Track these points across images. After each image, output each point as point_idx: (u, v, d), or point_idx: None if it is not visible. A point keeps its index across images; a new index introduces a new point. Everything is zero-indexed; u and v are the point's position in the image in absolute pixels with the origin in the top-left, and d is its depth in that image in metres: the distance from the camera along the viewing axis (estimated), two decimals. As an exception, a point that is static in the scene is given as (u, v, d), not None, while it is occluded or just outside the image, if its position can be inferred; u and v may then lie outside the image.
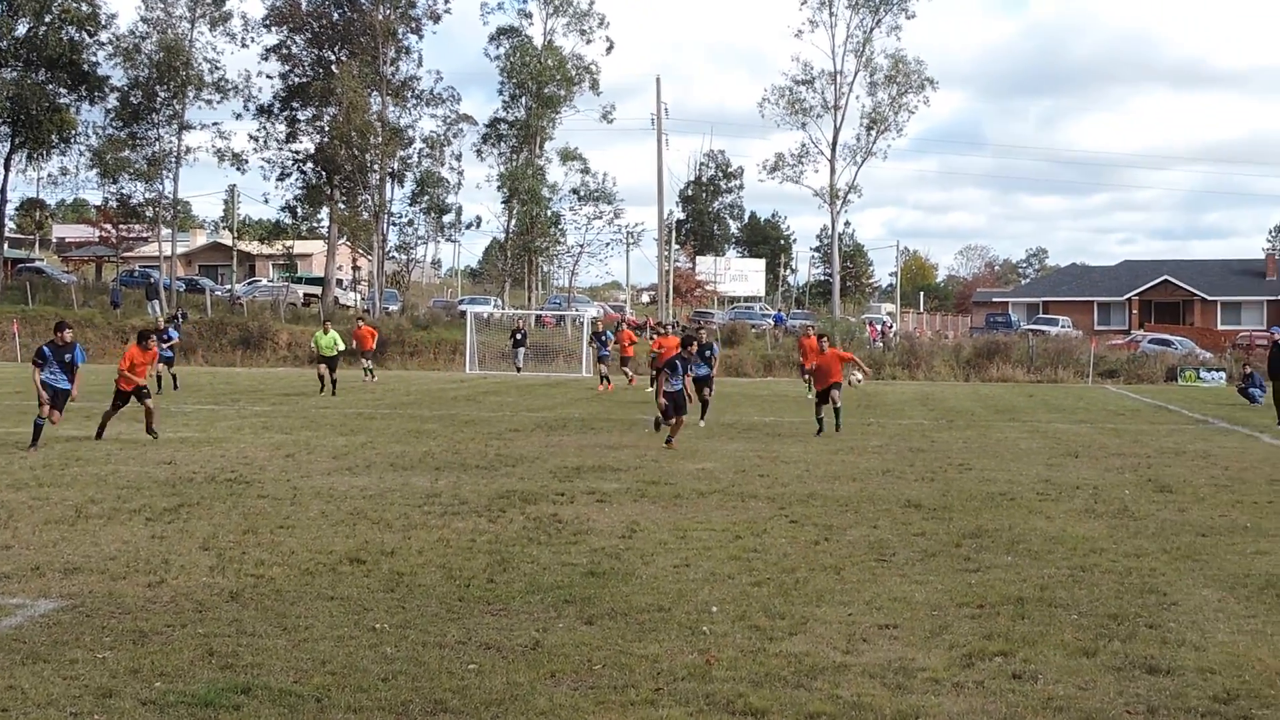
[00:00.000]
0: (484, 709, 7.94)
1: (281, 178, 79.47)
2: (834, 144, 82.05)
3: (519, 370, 59.90)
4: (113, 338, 64.51)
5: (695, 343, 27.64)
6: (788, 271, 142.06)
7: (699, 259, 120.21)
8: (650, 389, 44.27)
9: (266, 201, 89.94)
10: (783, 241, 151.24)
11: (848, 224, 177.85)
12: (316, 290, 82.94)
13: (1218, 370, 63.21)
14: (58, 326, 23.86)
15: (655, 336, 50.46)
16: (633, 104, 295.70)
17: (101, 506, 15.91)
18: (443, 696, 8.15)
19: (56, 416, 22.95)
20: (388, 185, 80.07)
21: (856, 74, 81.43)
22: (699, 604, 10.85)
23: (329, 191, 79.05)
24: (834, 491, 18.49)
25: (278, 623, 10.02)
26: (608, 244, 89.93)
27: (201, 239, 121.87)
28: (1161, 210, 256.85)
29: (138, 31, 76.68)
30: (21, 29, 74.68)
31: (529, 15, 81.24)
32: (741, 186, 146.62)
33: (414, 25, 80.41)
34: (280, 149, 79.41)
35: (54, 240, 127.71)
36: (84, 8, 75.63)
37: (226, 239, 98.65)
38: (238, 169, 79.58)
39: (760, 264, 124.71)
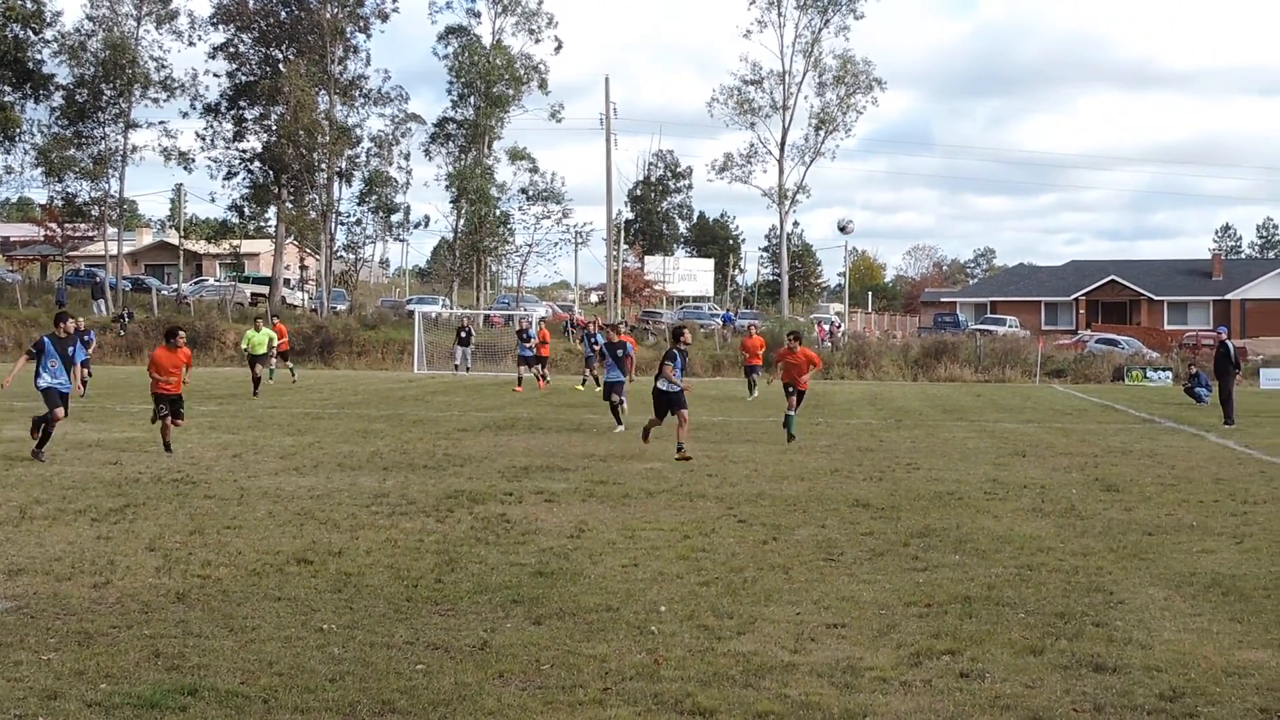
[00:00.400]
0: (432, 709, 7.93)
1: (228, 177, 79.18)
2: (782, 144, 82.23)
3: (463, 369, 59.66)
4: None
5: (687, 332, 26.24)
6: (736, 271, 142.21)
7: (648, 259, 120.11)
8: (581, 388, 44.28)
9: (213, 200, 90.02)
10: (731, 241, 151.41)
11: (796, 224, 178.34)
12: (264, 290, 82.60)
13: (1164, 370, 63.62)
14: (59, 318, 22.33)
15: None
16: (582, 104, 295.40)
17: (46, 507, 15.81)
18: (390, 697, 8.14)
19: (60, 414, 21.25)
20: (335, 184, 79.91)
21: (805, 74, 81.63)
22: (647, 604, 10.87)
23: (276, 191, 78.78)
24: (782, 491, 18.54)
25: (224, 624, 9.98)
26: (556, 244, 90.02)
27: (148, 238, 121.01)
28: (1109, 211, 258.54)
29: (83, 29, 76.12)
30: (-36, 26, 74.12)
31: (477, 15, 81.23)
32: (690, 186, 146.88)
33: (362, 24, 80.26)
34: (227, 148, 79.12)
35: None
36: (28, 5, 75.03)
37: (173, 238, 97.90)
38: (184, 168, 79.08)
39: (709, 264, 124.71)
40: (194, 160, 79.02)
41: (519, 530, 14.66)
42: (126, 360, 61.98)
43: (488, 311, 77.93)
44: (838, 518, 16.00)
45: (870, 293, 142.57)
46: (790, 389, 27.10)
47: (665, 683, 8.55)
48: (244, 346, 42.18)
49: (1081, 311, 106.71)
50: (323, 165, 78.27)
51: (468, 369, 59.82)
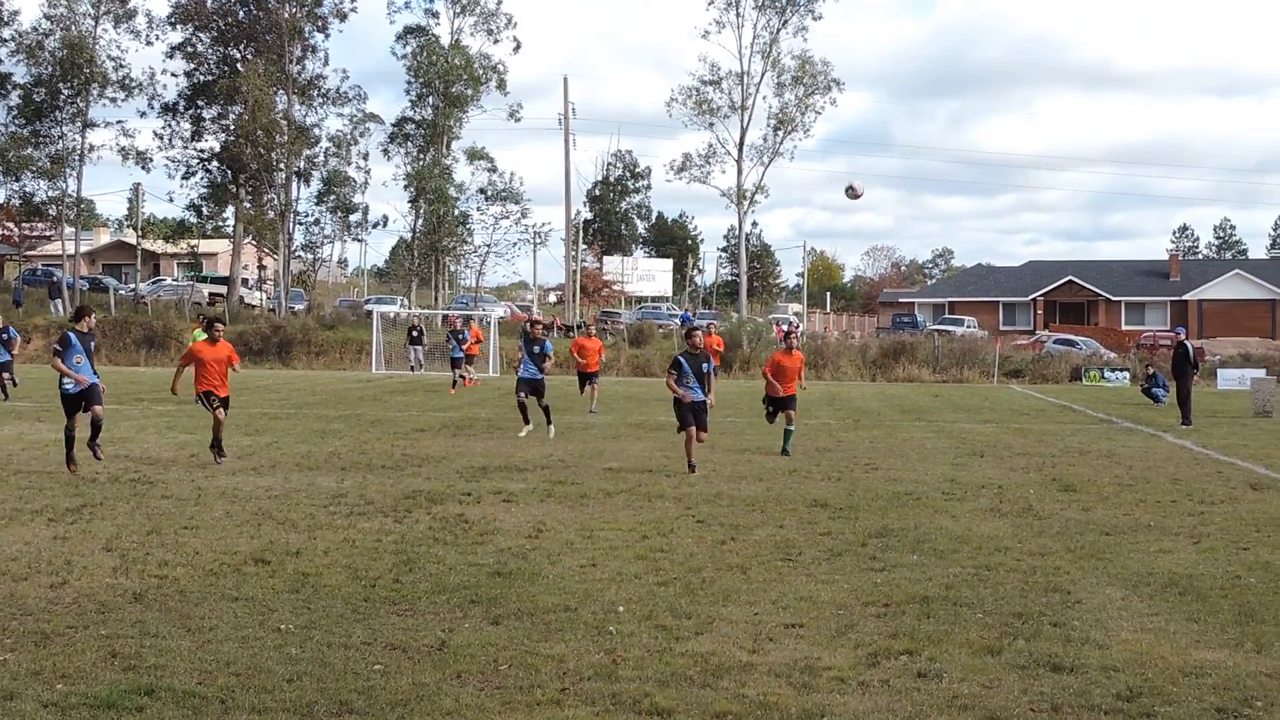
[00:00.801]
0: (389, 709, 7.92)
1: (186, 176, 78.70)
2: (741, 144, 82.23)
3: (416, 369, 59.47)
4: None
5: (698, 332, 22.82)
6: (695, 271, 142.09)
7: (606, 259, 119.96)
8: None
9: (171, 200, 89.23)
10: (690, 242, 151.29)
11: (755, 224, 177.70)
12: (222, 290, 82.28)
13: (1122, 370, 63.93)
14: (79, 312, 20.96)
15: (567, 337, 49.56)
16: (540, 104, 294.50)
17: (3, 507, 15.74)
18: (348, 697, 8.12)
19: (99, 410, 20.02)
20: (294, 184, 79.52)
21: (763, 75, 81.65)
22: (605, 604, 10.87)
23: (234, 190, 78.43)
24: (741, 491, 18.57)
25: (181, 624, 9.95)
26: (515, 244, 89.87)
27: (105, 237, 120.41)
28: (1067, 211, 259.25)
29: (41, 28, 75.66)
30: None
31: (435, 15, 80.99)
32: (649, 186, 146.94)
33: (320, 24, 79.93)
34: (185, 147, 78.67)
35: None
36: (-16, 4, 74.70)
37: (131, 238, 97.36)
38: (142, 167, 78.73)
39: (667, 264, 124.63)
40: (152, 160, 78.71)
41: (477, 530, 14.64)
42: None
43: (446, 311, 77.74)
44: (796, 518, 16.04)
45: (828, 293, 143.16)
46: (774, 402, 24.84)
47: (623, 683, 8.55)
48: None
49: (1039, 312, 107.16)
50: (281, 165, 77.97)
51: (413, 368, 59.59)
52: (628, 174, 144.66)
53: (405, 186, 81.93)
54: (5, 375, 36.23)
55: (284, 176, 78.50)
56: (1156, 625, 10.42)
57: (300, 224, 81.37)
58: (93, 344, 20.59)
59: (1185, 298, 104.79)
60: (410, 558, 12.83)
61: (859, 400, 44.28)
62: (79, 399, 19.94)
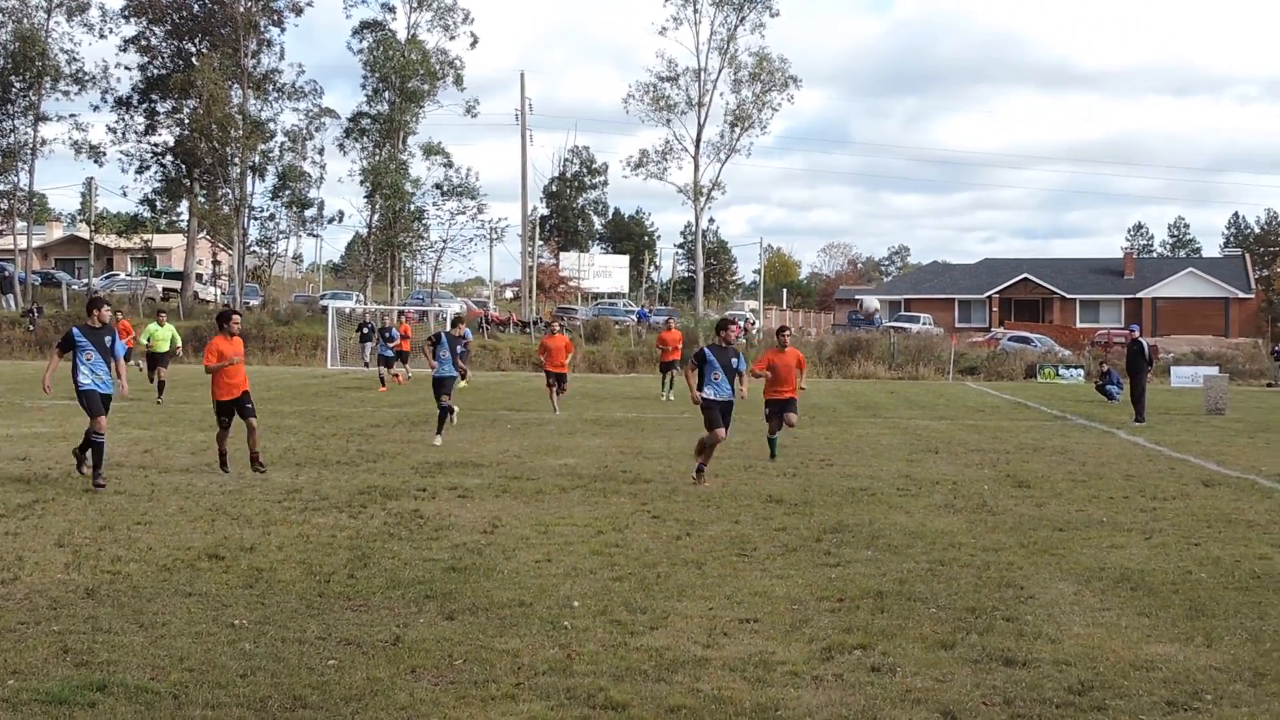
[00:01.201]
0: (344, 704, 7.90)
1: (140, 171, 78.39)
2: (698, 140, 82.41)
3: (373, 366, 59.29)
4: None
5: (733, 325, 20.06)
6: (652, 268, 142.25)
7: (563, 255, 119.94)
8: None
9: (125, 195, 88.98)
10: (647, 238, 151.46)
11: (712, 221, 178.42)
12: (176, 285, 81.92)
13: (1076, 368, 64.32)
14: (92, 304, 18.41)
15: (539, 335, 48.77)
16: (498, 99, 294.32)
17: (-47, 503, 15.63)
18: (302, 692, 8.10)
19: (102, 422, 17.71)
20: (249, 179, 79.23)
21: (721, 71, 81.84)
22: (560, 599, 10.87)
23: (189, 185, 78.15)
24: (696, 487, 18.58)
25: (134, 619, 9.90)
26: (471, 239, 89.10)
27: (58, 232, 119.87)
28: (1023, 209, 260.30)
29: (-8, 21, 75.25)
30: None
31: (392, 9, 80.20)
32: (606, 183, 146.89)
33: (276, 17, 79.73)
34: (139, 141, 78.37)
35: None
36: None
37: (84, 232, 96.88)
38: (95, 161, 78.29)
39: (624, 260, 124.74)
40: (105, 154, 78.30)
41: (432, 526, 14.62)
42: (35, 355, 61.19)
43: (402, 307, 77.49)
44: (751, 513, 16.06)
45: (785, 290, 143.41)
46: (773, 405, 22.71)
47: (578, 677, 8.55)
48: (145, 342, 38.30)
49: (995, 309, 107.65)
50: (236, 159, 77.66)
51: (366, 364, 59.36)
52: (585, 170, 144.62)
53: (361, 182, 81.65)
54: None
55: (239, 171, 78.17)
56: (1108, 620, 10.48)
57: (255, 219, 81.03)
58: (110, 341, 17.93)
59: (1139, 296, 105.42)
60: (365, 553, 12.80)
61: (815, 397, 44.27)
62: (100, 398, 17.73)
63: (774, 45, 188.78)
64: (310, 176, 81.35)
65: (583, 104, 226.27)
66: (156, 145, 78.43)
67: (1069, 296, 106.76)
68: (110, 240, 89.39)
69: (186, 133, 76.18)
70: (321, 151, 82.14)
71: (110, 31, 79.53)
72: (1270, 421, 35.52)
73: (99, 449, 17.60)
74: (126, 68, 78.23)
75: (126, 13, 76.87)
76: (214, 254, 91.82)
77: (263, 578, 11.52)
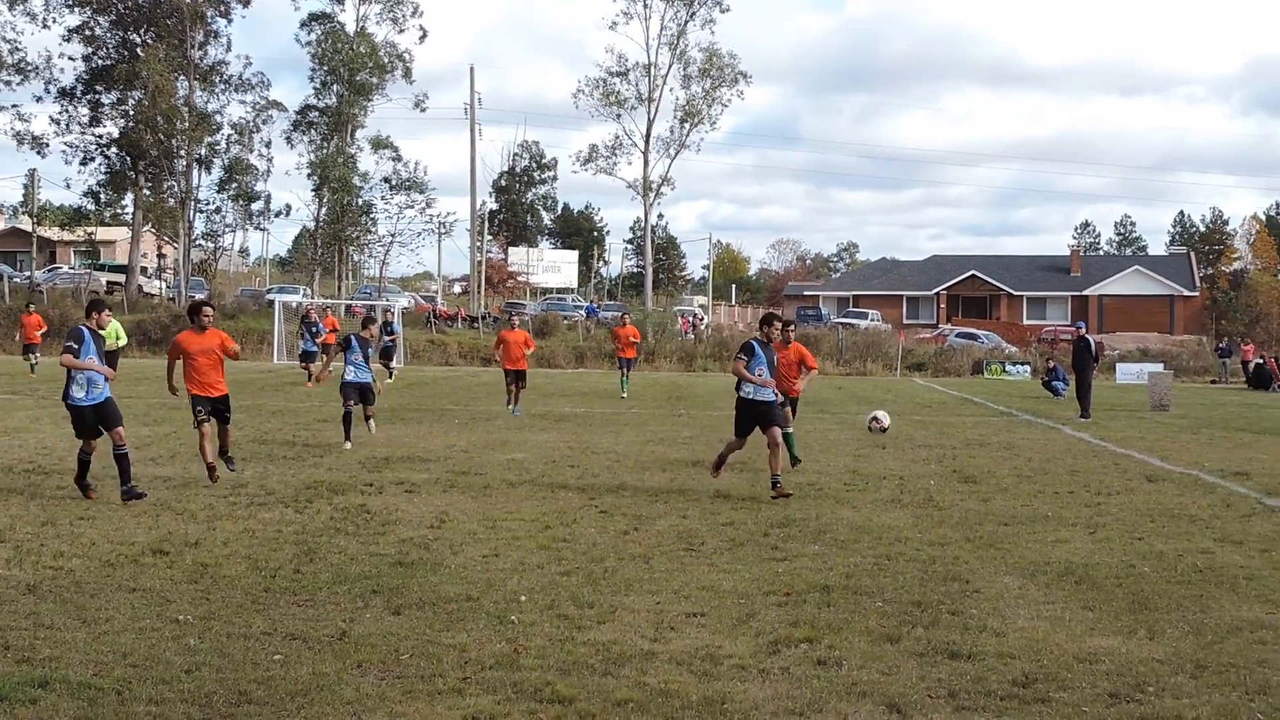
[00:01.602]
0: (289, 699, 7.86)
1: (84, 162, 77.80)
2: (648, 136, 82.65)
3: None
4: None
5: (777, 322, 18.52)
6: (601, 263, 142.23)
7: (512, 250, 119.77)
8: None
9: (69, 186, 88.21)
10: (596, 233, 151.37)
11: (661, 216, 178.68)
12: (120, 278, 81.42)
13: (1023, 364, 64.75)
14: (93, 306, 16.84)
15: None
16: (447, 93, 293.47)
17: (-107, 497, 15.49)
18: (247, 688, 8.06)
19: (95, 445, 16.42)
20: (195, 172, 78.80)
21: (670, 67, 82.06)
22: (508, 593, 10.85)
23: (134, 177, 77.64)
24: (644, 482, 18.59)
25: (77, 615, 9.83)
26: (419, 234, 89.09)
27: (0, 224, 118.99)
28: (972, 207, 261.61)
29: (-67, 10, 74.60)
30: None
31: (341, 1, 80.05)
32: (555, 178, 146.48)
33: (223, 8, 79.28)
34: (83, 133, 77.76)
35: None
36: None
37: (26, 224, 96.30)
38: (38, 153, 77.85)
39: (573, 255, 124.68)
40: (48, 145, 77.70)
41: (379, 521, 14.57)
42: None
43: (349, 301, 77.21)
44: (699, 508, 16.08)
45: (734, 286, 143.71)
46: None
47: (525, 671, 8.54)
48: None
49: (942, 306, 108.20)
50: (182, 152, 77.24)
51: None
52: (534, 165, 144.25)
53: (308, 175, 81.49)
54: None
55: (185, 164, 77.75)
56: (1052, 613, 10.53)
57: (201, 212, 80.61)
58: (106, 346, 16.88)
59: (1086, 293, 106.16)
60: (311, 548, 12.74)
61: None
62: (93, 416, 16.19)
63: (724, 41, 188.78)
64: (257, 169, 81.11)
65: (532, 98, 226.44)
66: (101, 137, 77.94)
67: (1016, 293, 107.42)
68: (53, 233, 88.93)
69: (131, 125, 75.71)
70: (269, 144, 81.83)
71: (54, 21, 78.61)
72: (1213, 418, 35.80)
73: (121, 460, 15.98)
74: (70, 58, 77.67)
75: (70, 2, 76.22)
76: (159, 247, 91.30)
77: (207, 573, 11.45)
